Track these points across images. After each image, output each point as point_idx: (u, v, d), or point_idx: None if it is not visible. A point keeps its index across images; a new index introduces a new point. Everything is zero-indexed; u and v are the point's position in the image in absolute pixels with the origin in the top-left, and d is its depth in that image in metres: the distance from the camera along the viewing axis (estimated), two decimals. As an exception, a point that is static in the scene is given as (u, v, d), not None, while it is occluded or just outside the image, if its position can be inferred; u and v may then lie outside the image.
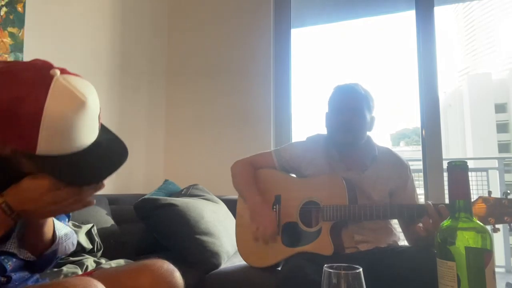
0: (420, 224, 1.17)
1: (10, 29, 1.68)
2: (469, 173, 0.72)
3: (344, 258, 1.15)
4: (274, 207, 1.45)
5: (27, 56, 1.72)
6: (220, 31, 2.64)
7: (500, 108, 14.25)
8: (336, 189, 1.34)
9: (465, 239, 0.66)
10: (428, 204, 1.16)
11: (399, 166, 1.45)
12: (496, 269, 0.67)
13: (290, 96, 2.48)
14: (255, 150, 1.64)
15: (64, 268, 1.27)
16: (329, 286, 0.58)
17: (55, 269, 1.24)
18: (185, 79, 2.69)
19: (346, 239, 1.34)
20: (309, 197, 1.39)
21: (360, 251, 1.31)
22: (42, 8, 1.82)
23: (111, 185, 2.12)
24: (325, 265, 0.60)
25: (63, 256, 0.98)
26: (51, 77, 0.67)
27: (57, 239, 0.87)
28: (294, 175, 1.54)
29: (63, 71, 0.70)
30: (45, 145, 0.65)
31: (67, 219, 0.97)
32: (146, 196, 1.75)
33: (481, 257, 0.65)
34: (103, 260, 1.45)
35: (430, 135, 2.19)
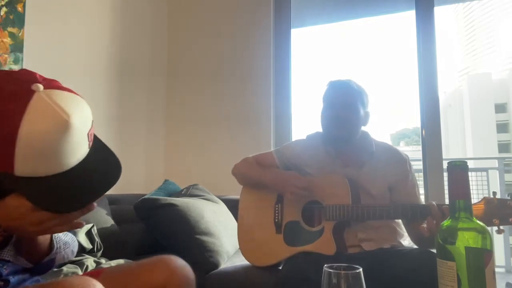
0: (424, 225, 1.17)
1: (10, 29, 1.68)
2: (469, 173, 0.72)
3: (345, 258, 1.15)
4: (277, 206, 1.45)
5: (27, 56, 1.72)
6: (220, 31, 2.64)
7: (500, 108, 14.24)
8: (339, 189, 1.34)
9: (465, 239, 0.66)
10: (432, 204, 1.16)
11: (398, 160, 1.44)
12: (496, 269, 0.67)
13: (290, 96, 2.48)
14: (255, 150, 1.64)
15: (64, 268, 1.27)
16: (329, 286, 0.58)
17: (55, 269, 1.24)
18: (185, 79, 2.69)
19: (349, 238, 1.34)
20: (312, 196, 1.39)
21: (362, 251, 1.31)
22: (42, 8, 1.82)
23: (111, 185, 2.12)
24: (325, 265, 0.60)
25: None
26: (31, 93, 0.62)
27: (55, 249, 0.85)
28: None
29: (50, 85, 0.65)
30: (22, 166, 0.61)
31: None
32: (146, 196, 1.75)
33: (481, 257, 0.65)
34: (103, 260, 1.45)
35: (430, 135, 2.19)
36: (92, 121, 0.71)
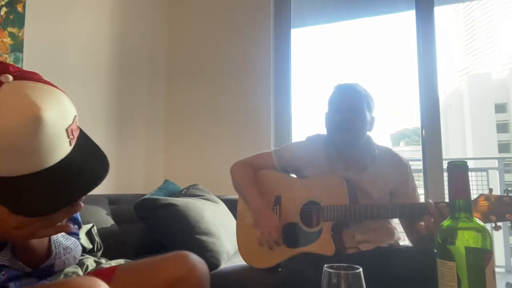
0: (422, 223, 1.17)
1: (10, 29, 1.68)
2: (469, 173, 0.72)
3: (345, 258, 1.15)
4: (275, 207, 1.45)
5: (27, 56, 1.72)
6: (220, 31, 2.64)
7: (500, 108, 14.25)
8: (336, 189, 1.34)
9: (465, 239, 0.66)
10: (429, 202, 1.16)
11: (399, 165, 1.44)
12: (496, 269, 0.67)
13: (290, 96, 2.48)
14: (255, 150, 1.64)
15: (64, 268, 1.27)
16: (329, 286, 0.58)
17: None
18: (185, 79, 2.69)
19: (347, 239, 1.34)
20: (310, 197, 1.39)
21: (361, 251, 1.31)
22: (42, 8, 1.82)
23: (111, 185, 2.12)
24: (325, 265, 0.60)
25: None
26: None
27: (53, 254, 0.81)
28: (294, 176, 1.54)
29: (23, 77, 0.59)
30: None
31: (76, 226, 0.92)
32: (146, 196, 1.75)
33: (481, 257, 0.65)
34: (103, 260, 1.44)
35: (430, 135, 2.19)
36: (75, 116, 0.65)
